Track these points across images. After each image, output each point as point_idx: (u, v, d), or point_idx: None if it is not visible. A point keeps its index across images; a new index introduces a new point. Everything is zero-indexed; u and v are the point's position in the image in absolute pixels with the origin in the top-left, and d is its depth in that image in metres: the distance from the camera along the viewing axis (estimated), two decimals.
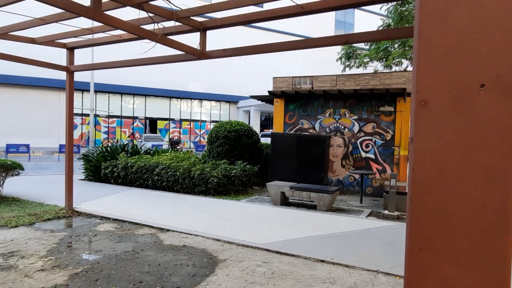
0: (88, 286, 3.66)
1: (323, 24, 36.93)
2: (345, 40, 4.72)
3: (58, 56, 17.66)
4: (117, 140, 26.54)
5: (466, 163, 0.96)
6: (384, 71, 17.62)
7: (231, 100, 33.77)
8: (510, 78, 0.92)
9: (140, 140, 24.88)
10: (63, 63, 6.96)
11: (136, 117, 29.99)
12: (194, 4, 4.67)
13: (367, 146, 9.66)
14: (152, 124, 30.94)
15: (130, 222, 6.18)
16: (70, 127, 6.91)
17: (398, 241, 5.37)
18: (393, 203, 7.10)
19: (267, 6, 5.27)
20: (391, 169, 9.34)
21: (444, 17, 0.97)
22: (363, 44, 17.56)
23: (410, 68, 17.31)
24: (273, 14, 4.61)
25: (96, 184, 10.35)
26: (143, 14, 4.60)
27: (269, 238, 5.33)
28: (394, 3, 13.76)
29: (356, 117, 9.80)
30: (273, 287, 3.71)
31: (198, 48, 5.40)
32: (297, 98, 10.50)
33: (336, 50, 19.00)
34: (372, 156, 9.59)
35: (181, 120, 32.23)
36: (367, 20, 38.24)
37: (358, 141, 9.77)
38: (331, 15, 38.15)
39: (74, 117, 19.92)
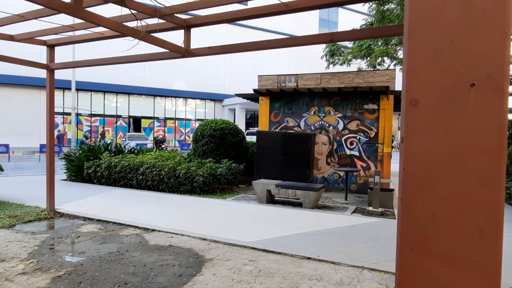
0: None
1: (308, 22, 37.15)
2: (330, 38, 4.75)
3: (38, 53, 17.21)
4: (99, 139, 26.05)
5: (457, 163, 0.96)
6: (368, 69, 17.84)
7: (216, 98, 33.62)
8: (500, 77, 0.92)
9: (124, 139, 24.49)
10: (43, 60, 6.78)
11: (120, 116, 29.52)
12: (178, 1, 4.60)
13: (351, 143, 9.77)
14: (136, 122, 30.51)
15: (114, 222, 6.08)
16: (51, 126, 6.74)
17: (382, 237, 5.46)
18: (377, 199, 7.21)
19: (252, 4, 5.25)
20: (375, 166, 9.47)
21: (434, 16, 0.97)
22: (347, 42, 17.72)
23: (392, 67, 17.57)
24: (258, 12, 4.60)
25: (79, 184, 10.14)
26: (125, 11, 4.51)
27: (255, 236, 5.33)
28: (376, 2, 13.90)
29: (340, 115, 9.89)
30: (260, 285, 3.71)
31: (183, 46, 5.34)
32: (282, 96, 10.52)
33: (321, 48, 19.13)
34: (357, 153, 9.70)
35: (166, 119, 31.90)
36: (350, 19, 38.63)
37: (342, 139, 9.87)
38: (315, 14, 38.39)
39: (55, 116, 19.48)
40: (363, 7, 16.69)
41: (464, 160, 0.95)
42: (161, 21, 5.06)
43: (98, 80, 27.22)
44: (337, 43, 17.64)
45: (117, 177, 9.72)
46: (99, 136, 27.18)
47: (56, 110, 23.00)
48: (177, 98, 32.31)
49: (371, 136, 9.54)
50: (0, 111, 24.31)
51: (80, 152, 11.17)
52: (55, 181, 6.95)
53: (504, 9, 0.90)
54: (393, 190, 7.96)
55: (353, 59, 18.11)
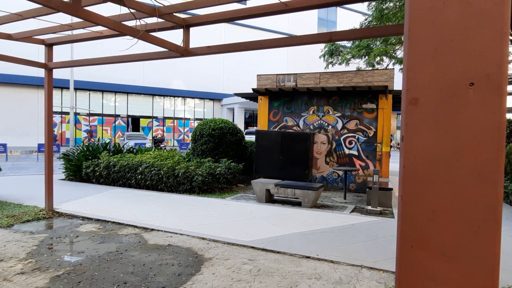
0: None
1: (306, 22, 37.16)
2: (329, 38, 4.75)
3: (36, 52, 17.16)
4: (98, 139, 26.01)
5: (456, 161, 0.97)
6: (367, 68, 17.85)
7: (215, 97, 33.59)
8: (498, 76, 0.93)
9: (123, 138, 24.45)
10: (41, 59, 6.76)
11: (118, 115, 29.48)
12: (177, 1, 4.60)
13: (350, 142, 9.78)
14: (134, 122, 30.46)
15: (113, 222, 6.07)
16: (50, 125, 6.72)
17: (381, 236, 5.47)
18: (376, 198, 7.22)
19: (251, 4, 5.27)
20: (374, 165, 9.49)
21: (434, 16, 0.98)
22: (346, 41, 17.73)
23: (391, 66, 17.59)
24: (257, 11, 4.60)
25: (77, 184, 10.13)
26: (124, 10, 4.50)
27: (254, 236, 5.34)
28: (375, 0, 13.93)
29: (339, 114, 9.90)
30: (260, 284, 3.71)
31: (182, 45, 5.34)
32: (281, 95, 10.53)
33: (319, 47, 19.13)
34: (355, 152, 9.72)
35: (165, 118, 31.86)
36: (349, 19, 38.65)
37: (341, 138, 9.88)
38: (314, 13, 38.40)
39: (54, 115, 19.43)
40: (362, 7, 16.74)
41: (463, 157, 0.96)
42: (160, 20, 5.05)
43: (97, 79, 27.17)
44: (336, 42, 17.66)
45: (116, 176, 9.71)
46: (88, 135, 27.09)
47: (54, 109, 22.91)
48: (176, 98, 32.28)
49: (370, 135, 9.56)
50: None
51: (78, 151, 11.15)
52: (54, 181, 6.93)
53: (502, 9, 0.91)
54: (391, 189, 7.97)
55: (352, 59, 18.14)
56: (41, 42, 6.46)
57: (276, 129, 10.51)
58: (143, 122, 30.74)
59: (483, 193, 0.94)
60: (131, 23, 4.90)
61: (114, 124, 29.29)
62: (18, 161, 17.26)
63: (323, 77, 11.08)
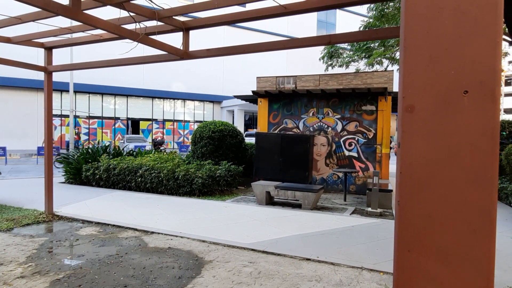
0: None
1: (306, 24, 37.20)
2: (328, 40, 4.77)
3: (35, 55, 17.19)
4: (98, 142, 25.99)
5: (451, 165, 0.99)
6: (366, 69, 17.91)
7: (215, 100, 33.61)
8: (491, 83, 0.95)
9: (123, 141, 24.44)
10: (41, 62, 6.77)
11: (118, 118, 29.48)
12: (176, 4, 4.62)
13: (350, 144, 9.79)
14: (134, 124, 30.46)
15: (114, 225, 6.07)
16: (49, 129, 6.73)
17: (381, 237, 5.47)
18: (376, 200, 7.23)
19: (250, 6, 5.29)
20: (374, 167, 9.50)
21: (429, 25, 1.00)
22: (345, 44, 17.79)
23: (390, 68, 17.64)
24: (257, 14, 4.61)
25: (77, 187, 10.13)
26: (124, 13, 4.52)
27: (255, 238, 5.34)
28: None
29: (339, 116, 9.92)
30: (260, 287, 3.71)
31: (181, 48, 5.35)
32: (281, 97, 10.54)
33: (319, 49, 19.21)
34: (355, 154, 9.73)
35: (164, 121, 31.87)
36: (348, 21, 38.73)
37: (341, 140, 9.89)
38: (313, 16, 38.45)
39: (53, 118, 19.44)
40: (362, 9, 16.82)
41: (458, 162, 0.98)
42: (159, 23, 5.07)
43: (96, 82, 27.18)
44: (336, 45, 17.71)
45: (116, 179, 9.71)
46: (75, 137, 27.02)
47: (54, 112, 22.91)
48: (175, 100, 32.29)
49: (370, 137, 9.57)
50: None
51: (78, 154, 11.15)
52: (53, 184, 6.93)
53: (495, 19, 0.93)
54: (391, 190, 7.98)
55: (351, 62, 18.26)
56: (41, 45, 6.48)
57: (276, 131, 10.52)
58: (142, 125, 30.74)
59: (478, 197, 0.96)
60: (130, 27, 4.92)
61: (113, 127, 29.28)
62: (17, 164, 17.26)
63: (322, 79, 11.10)
